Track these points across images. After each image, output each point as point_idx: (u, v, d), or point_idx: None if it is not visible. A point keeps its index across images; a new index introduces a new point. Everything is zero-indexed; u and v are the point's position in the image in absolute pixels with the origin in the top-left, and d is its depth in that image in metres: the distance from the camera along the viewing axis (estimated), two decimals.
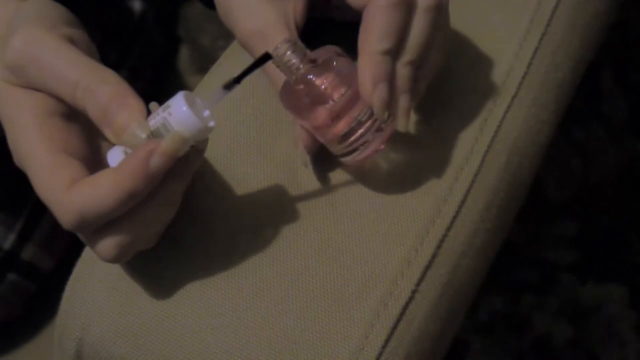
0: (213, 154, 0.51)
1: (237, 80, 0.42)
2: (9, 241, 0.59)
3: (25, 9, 0.46)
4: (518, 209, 0.59)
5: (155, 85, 0.74)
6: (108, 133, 0.42)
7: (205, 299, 0.47)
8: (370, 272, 0.49)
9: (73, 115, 0.45)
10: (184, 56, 0.78)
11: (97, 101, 0.42)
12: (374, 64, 0.45)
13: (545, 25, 0.58)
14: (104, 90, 0.42)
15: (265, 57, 0.43)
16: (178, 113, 0.42)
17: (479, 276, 0.54)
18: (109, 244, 0.43)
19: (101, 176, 0.41)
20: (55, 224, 0.62)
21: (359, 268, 0.49)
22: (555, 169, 1.23)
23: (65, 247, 0.63)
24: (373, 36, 0.45)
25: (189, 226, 0.50)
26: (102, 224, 0.43)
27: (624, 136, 1.28)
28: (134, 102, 0.42)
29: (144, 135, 0.41)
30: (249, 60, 0.44)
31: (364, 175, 0.52)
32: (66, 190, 0.42)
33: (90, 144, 0.45)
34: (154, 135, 0.42)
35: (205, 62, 0.76)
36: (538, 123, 0.57)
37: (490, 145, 0.54)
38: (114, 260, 0.44)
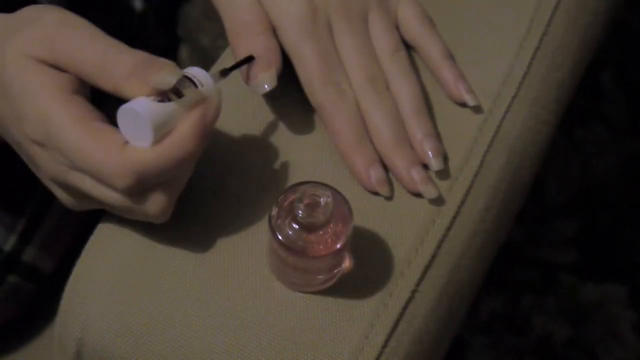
0: (212, 153, 0.51)
1: (225, 73, 0.48)
2: (10, 243, 0.59)
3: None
4: (518, 209, 0.59)
5: None
6: (134, 85, 0.43)
7: (205, 299, 0.47)
8: (370, 272, 0.49)
9: (87, 98, 0.46)
10: (184, 56, 0.78)
11: (131, 58, 0.44)
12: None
13: (546, 25, 0.58)
14: (135, 52, 0.44)
15: (249, 59, 0.49)
16: (201, 74, 0.45)
17: (478, 276, 0.54)
18: (159, 202, 0.45)
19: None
20: (56, 225, 0.62)
21: (358, 268, 0.49)
22: (555, 169, 1.23)
23: (66, 247, 0.63)
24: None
25: (189, 227, 0.50)
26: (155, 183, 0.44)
27: (624, 136, 1.28)
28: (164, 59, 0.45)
29: (176, 78, 0.43)
30: None
31: None
32: (121, 151, 0.42)
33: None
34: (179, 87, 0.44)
35: (205, 62, 0.76)
36: (538, 123, 0.57)
37: (490, 145, 0.54)
38: (162, 217, 0.46)
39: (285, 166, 0.52)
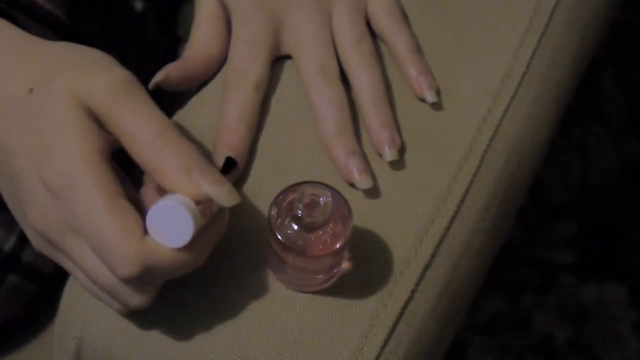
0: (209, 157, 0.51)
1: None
2: (9, 243, 0.59)
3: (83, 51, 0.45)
4: (518, 209, 0.59)
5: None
6: (181, 181, 0.41)
7: (204, 299, 0.47)
8: (370, 272, 0.49)
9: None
10: None
11: (187, 152, 0.41)
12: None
13: (545, 25, 0.58)
14: (191, 146, 0.42)
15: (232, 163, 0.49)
16: None
17: (478, 276, 0.54)
18: (147, 296, 0.44)
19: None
20: None
21: (358, 268, 0.49)
22: (555, 169, 1.23)
23: None
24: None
25: None
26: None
27: (624, 136, 1.28)
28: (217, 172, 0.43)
29: (234, 203, 0.42)
30: None
31: None
32: (142, 241, 0.40)
33: None
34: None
35: None
36: (538, 123, 0.57)
37: (490, 145, 0.54)
38: (142, 308, 0.45)
39: (285, 166, 0.52)
